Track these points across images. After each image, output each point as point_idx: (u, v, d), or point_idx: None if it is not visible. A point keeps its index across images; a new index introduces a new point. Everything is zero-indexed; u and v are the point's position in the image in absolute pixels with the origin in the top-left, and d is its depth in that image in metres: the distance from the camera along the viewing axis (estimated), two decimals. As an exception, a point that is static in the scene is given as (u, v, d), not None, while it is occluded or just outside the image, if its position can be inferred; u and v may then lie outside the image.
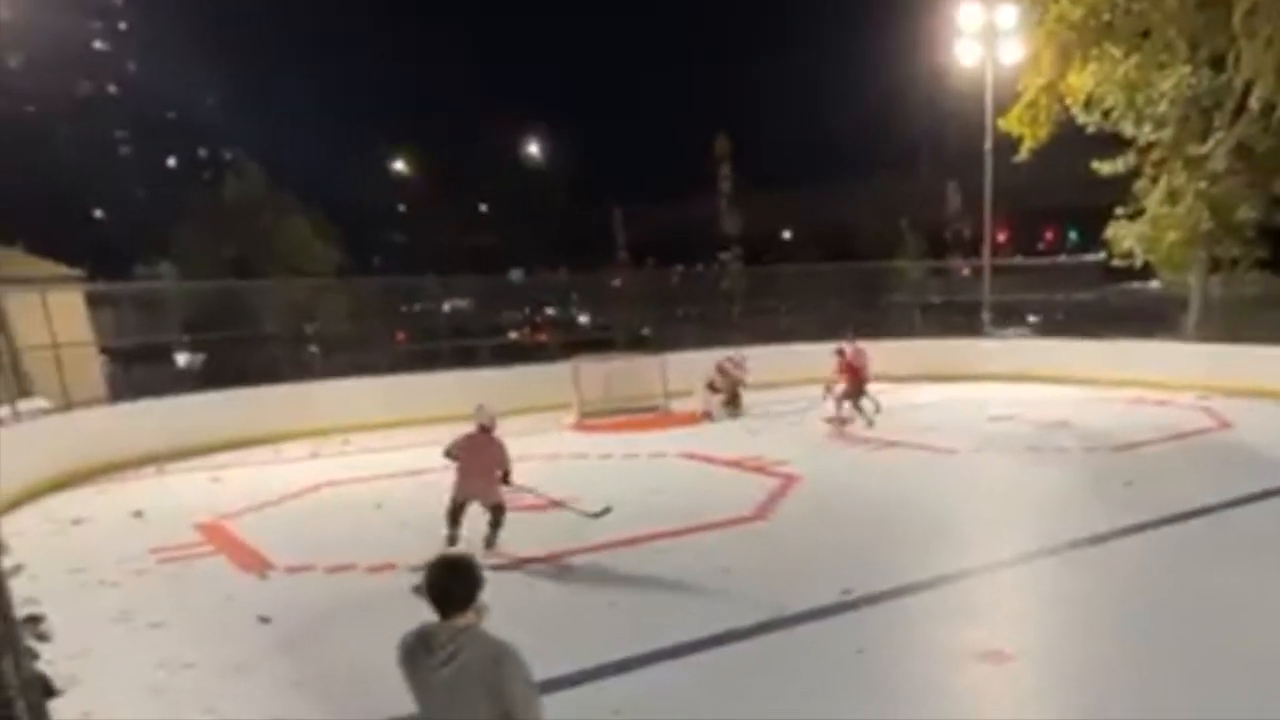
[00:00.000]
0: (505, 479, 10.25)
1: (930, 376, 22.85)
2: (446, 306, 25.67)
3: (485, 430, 10.28)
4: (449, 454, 10.29)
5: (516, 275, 31.65)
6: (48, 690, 6.36)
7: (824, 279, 26.99)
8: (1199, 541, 10.22)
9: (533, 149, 78.85)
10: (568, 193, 73.28)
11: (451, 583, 3.67)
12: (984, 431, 16.81)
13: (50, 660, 7.19)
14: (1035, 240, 58.31)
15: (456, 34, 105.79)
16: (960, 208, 53.34)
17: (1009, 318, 26.50)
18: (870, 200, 55.99)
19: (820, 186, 61.99)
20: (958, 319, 27.14)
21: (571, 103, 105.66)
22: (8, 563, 9.06)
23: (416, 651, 3.63)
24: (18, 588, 8.30)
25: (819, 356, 20.90)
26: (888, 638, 7.69)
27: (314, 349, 22.35)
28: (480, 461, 10.16)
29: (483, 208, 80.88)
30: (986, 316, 25.17)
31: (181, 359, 24.14)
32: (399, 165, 74.85)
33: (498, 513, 10.24)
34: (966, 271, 30.78)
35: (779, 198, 62.94)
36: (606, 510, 10.68)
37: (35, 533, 11.91)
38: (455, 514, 10.19)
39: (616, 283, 31.48)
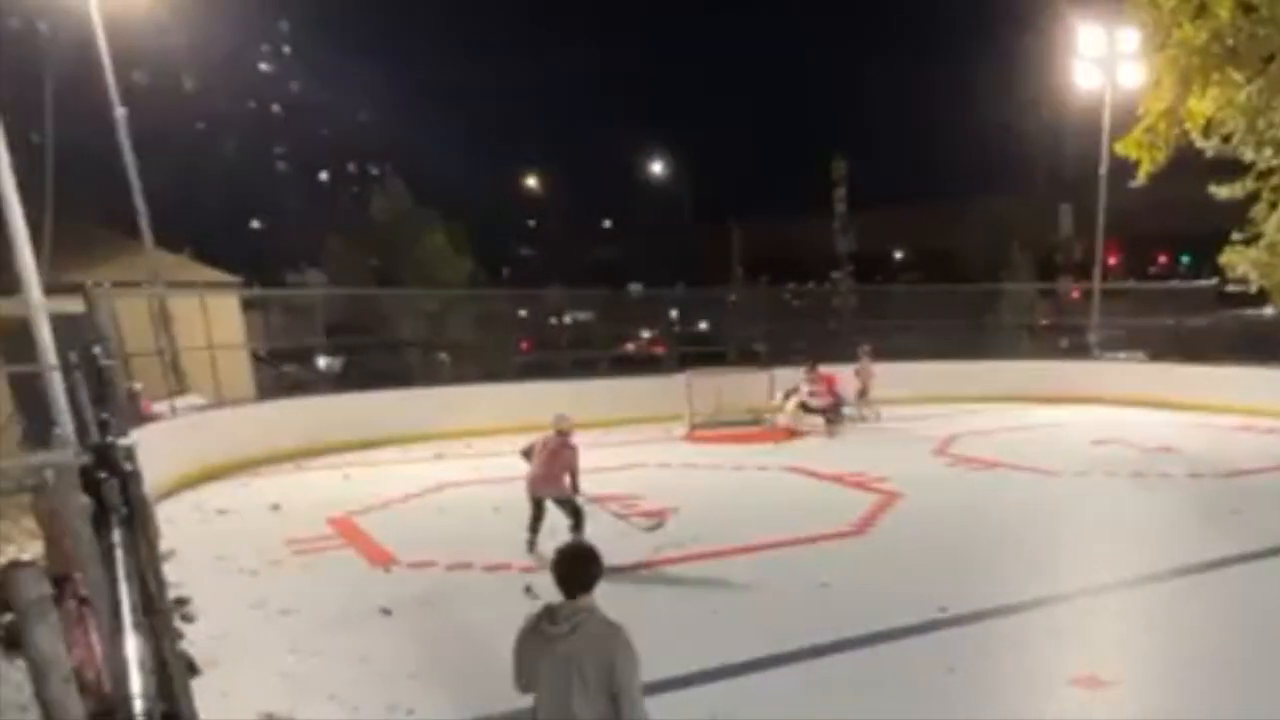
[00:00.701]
0: (573, 483, 10.49)
1: (1035, 398, 22.23)
2: (569, 318, 25.95)
3: (562, 435, 10.59)
4: (525, 453, 10.73)
5: (635, 289, 31.75)
6: (191, 669, 6.59)
7: (932, 299, 26.51)
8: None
9: (656, 167, 79.09)
10: (688, 210, 73.38)
11: (576, 568, 4.16)
12: (1088, 454, 16.24)
13: (193, 641, 7.44)
14: (1147, 264, 56.22)
15: (586, 55, 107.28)
16: (1072, 230, 51.75)
17: (1118, 341, 25.60)
18: (982, 221, 54.63)
19: (933, 207, 60.72)
20: (1065, 341, 26.38)
21: (693, 122, 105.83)
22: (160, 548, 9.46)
23: (542, 623, 4.02)
24: (167, 572, 8.67)
25: (924, 375, 20.62)
26: (981, 658, 7.50)
27: (444, 356, 22.74)
28: (552, 463, 10.49)
29: (607, 223, 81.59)
30: (1094, 339, 24.35)
31: (322, 361, 24.86)
32: (531, 182, 75.90)
33: (576, 514, 10.47)
34: (1076, 294, 29.85)
35: (892, 217, 61.88)
36: (659, 524, 10.94)
37: (185, 520, 12.39)
38: (536, 516, 10.56)
39: (731, 298, 31.34)
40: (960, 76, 70.77)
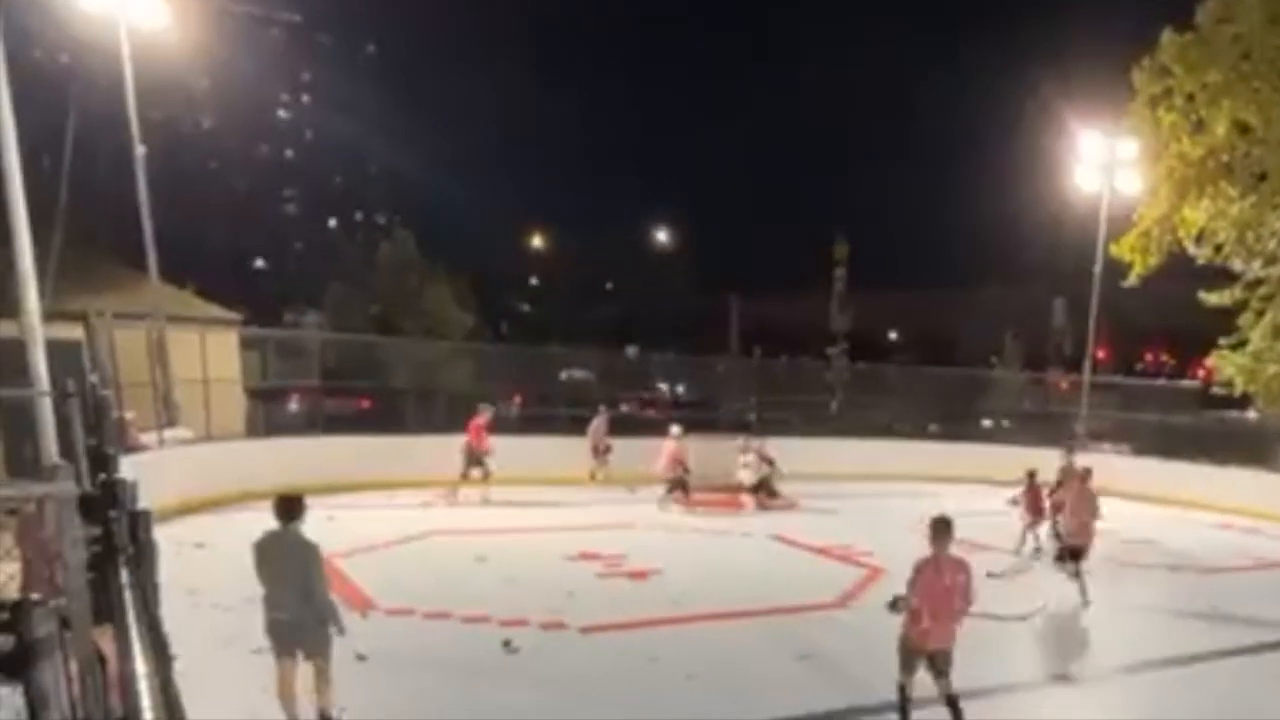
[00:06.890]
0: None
1: (1020, 483, 21.95)
2: (564, 375, 25.74)
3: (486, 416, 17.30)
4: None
5: (631, 351, 31.56)
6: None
7: (924, 380, 26.46)
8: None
9: (661, 235, 79.70)
10: (688, 279, 73.59)
11: (294, 508, 6.86)
12: (1068, 544, 16.03)
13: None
14: (1134, 360, 56.60)
15: (598, 119, 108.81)
16: (1065, 323, 52.02)
17: (1104, 433, 25.49)
18: (978, 309, 55.05)
19: (931, 292, 61.32)
20: (1051, 431, 26.30)
21: (700, 195, 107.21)
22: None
23: (272, 540, 6.79)
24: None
25: (914, 453, 20.49)
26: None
27: (438, 406, 22.40)
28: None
29: (608, 285, 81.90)
30: (1080, 429, 24.24)
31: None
32: (535, 241, 76.34)
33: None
34: (1065, 385, 29.86)
35: (889, 299, 62.30)
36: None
37: (162, 554, 12.08)
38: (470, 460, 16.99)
39: (720, 367, 31.11)
40: (965, 172, 71.93)
